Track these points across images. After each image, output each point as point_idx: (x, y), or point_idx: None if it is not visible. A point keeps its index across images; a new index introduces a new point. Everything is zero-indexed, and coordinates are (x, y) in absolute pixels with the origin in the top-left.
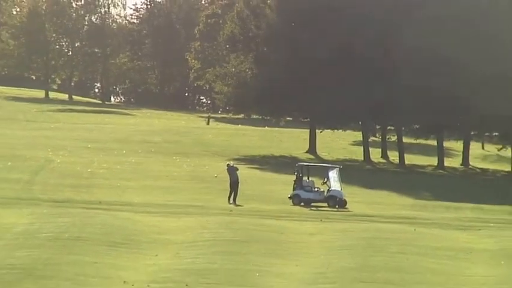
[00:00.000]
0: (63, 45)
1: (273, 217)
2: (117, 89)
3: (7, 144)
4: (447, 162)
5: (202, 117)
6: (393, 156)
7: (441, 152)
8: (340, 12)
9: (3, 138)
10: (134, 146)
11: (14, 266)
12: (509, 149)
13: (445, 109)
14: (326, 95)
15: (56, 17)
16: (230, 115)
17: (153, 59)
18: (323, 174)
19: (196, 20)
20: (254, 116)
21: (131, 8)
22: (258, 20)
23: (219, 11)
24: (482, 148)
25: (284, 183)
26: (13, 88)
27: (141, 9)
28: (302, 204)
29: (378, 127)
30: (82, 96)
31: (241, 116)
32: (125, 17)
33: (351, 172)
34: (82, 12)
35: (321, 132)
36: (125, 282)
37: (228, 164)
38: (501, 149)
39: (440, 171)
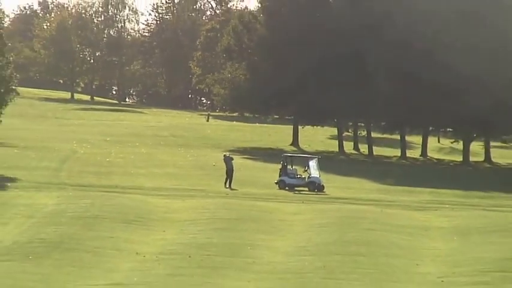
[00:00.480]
0: (86, 54)
1: (262, 199)
2: (131, 91)
3: (39, 138)
4: (408, 154)
5: (202, 115)
6: (363, 148)
7: (403, 145)
8: (319, 27)
9: (35, 132)
10: (145, 139)
11: (44, 240)
12: (461, 142)
13: (407, 109)
14: (307, 96)
15: (80, 30)
16: (226, 113)
17: (161, 66)
18: (304, 163)
19: (198, 34)
20: (246, 114)
21: (143, 24)
22: (250, 34)
23: (217, 26)
24: (438, 142)
25: (272, 170)
26: (43, 90)
27: (152, 25)
28: (287, 188)
29: (350, 124)
30: (102, 97)
31: (235, 114)
32: (138, 31)
33: (328, 162)
34: (102, 26)
35: (302, 128)
36: (137, 253)
37: (225, 155)
38: (453, 142)
39: (403, 161)
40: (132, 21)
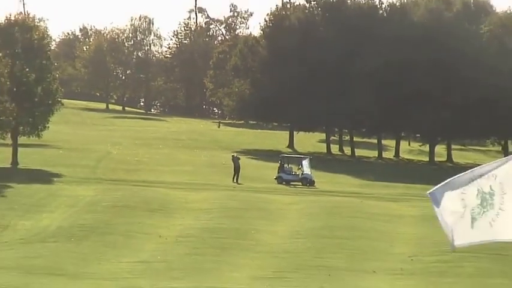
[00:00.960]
0: (118, 72)
1: (263, 192)
2: (156, 102)
3: (79, 141)
4: (384, 155)
5: (214, 122)
6: (347, 150)
7: (380, 147)
8: (310, 51)
9: (77, 136)
10: (167, 142)
11: (84, 225)
12: (427, 145)
13: (383, 118)
14: (300, 108)
15: (113, 52)
16: (234, 121)
17: (180, 82)
18: (298, 162)
19: (210, 55)
20: (251, 122)
21: (166, 47)
22: (253, 55)
23: (227, 49)
24: (409, 145)
25: (271, 168)
26: (83, 101)
27: (173, 48)
28: (284, 183)
29: (336, 130)
30: (131, 108)
31: (241, 121)
32: (161, 53)
33: (318, 161)
34: (131, 49)
35: (297, 133)
36: (160, 236)
37: (233, 155)
38: (421, 145)
39: (380, 160)
40: (156, 44)
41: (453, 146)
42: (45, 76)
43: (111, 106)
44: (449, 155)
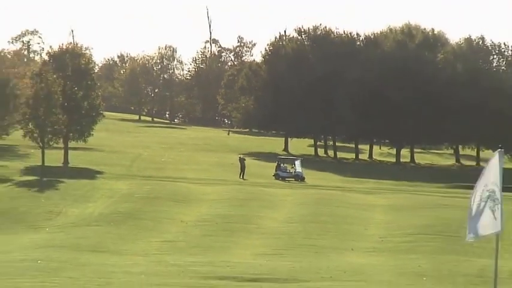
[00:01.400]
0: (148, 90)
1: (264, 186)
2: (179, 114)
3: (117, 145)
4: (360, 157)
5: (225, 130)
6: (330, 153)
7: (357, 151)
8: (302, 74)
9: (115, 141)
10: (187, 146)
11: (121, 212)
12: (394, 149)
13: (360, 128)
14: (293, 119)
15: (144, 74)
16: (241, 129)
17: (198, 98)
18: (292, 162)
19: (222, 77)
20: (254, 130)
21: (186, 70)
22: (256, 78)
23: (235, 72)
24: (380, 148)
25: (270, 167)
26: (120, 113)
27: (192, 71)
28: (280, 179)
29: (322, 136)
30: (159, 118)
31: (247, 130)
32: (183, 75)
33: (307, 162)
34: (159, 72)
35: (291, 139)
36: (181, 221)
37: (239, 157)
38: (389, 149)
39: (356, 161)
40: (178, 68)
41: (415, 150)
42: (90, 93)
43: (142, 117)
44: (412, 157)
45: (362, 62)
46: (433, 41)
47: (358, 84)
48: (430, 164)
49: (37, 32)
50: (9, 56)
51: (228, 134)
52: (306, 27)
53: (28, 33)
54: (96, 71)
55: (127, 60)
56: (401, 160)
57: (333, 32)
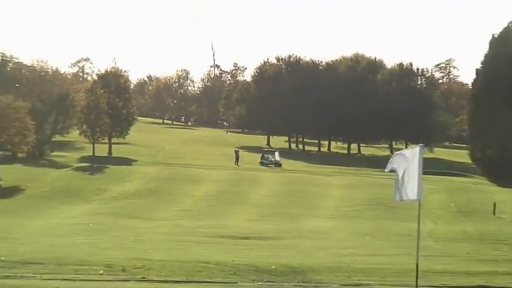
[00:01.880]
0: (169, 102)
1: (253, 170)
2: (191, 119)
3: (146, 141)
4: (322, 149)
5: (225, 130)
6: (301, 146)
7: (319, 145)
8: (281, 89)
9: (145, 138)
10: (197, 142)
11: (149, 189)
12: (346, 144)
13: (321, 127)
14: (274, 123)
15: (166, 90)
16: (236, 130)
17: (205, 107)
18: (272, 153)
19: (222, 91)
20: (246, 130)
21: (197, 87)
22: (247, 93)
23: (232, 88)
24: (336, 143)
25: (257, 157)
26: (149, 118)
27: (201, 88)
28: (264, 165)
29: (294, 134)
30: (177, 121)
31: (240, 130)
32: (194, 90)
33: (284, 153)
34: (177, 88)
35: (272, 137)
36: (193, 196)
37: (235, 149)
38: (343, 144)
39: (319, 152)
40: (191, 85)
41: (361, 144)
42: (127, 104)
43: (165, 121)
44: (359, 149)
45: (323, 82)
46: (374, 66)
47: (319, 98)
48: (372, 154)
49: (89, 59)
50: (69, 77)
51: (227, 133)
52: (282, 56)
53: (83, 60)
54: (131, 87)
55: (153, 80)
56: (351, 152)
57: (301, 59)
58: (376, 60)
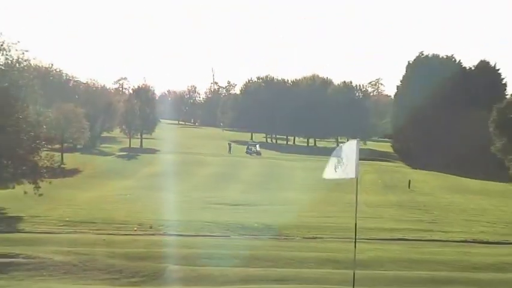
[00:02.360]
0: (182, 108)
1: (241, 157)
2: (198, 120)
3: (167, 136)
4: (289, 143)
5: (221, 129)
6: (274, 141)
7: (287, 140)
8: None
9: (166, 134)
10: (203, 137)
11: (172, 171)
12: (306, 139)
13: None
14: (255, 124)
15: (180, 100)
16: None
17: (208, 112)
18: (255, 145)
19: (220, 101)
20: (235, 129)
21: (202, 98)
22: (238, 103)
23: (227, 100)
24: (299, 138)
25: (244, 148)
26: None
27: (204, 99)
28: (249, 154)
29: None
30: (188, 123)
31: (233, 128)
32: (200, 99)
33: (263, 145)
34: (188, 98)
35: (254, 134)
36: (200, 175)
37: (228, 142)
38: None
39: (286, 145)
40: (198, 97)
41: (316, 139)
42: (153, 110)
43: (180, 122)
44: (314, 143)
45: (291, 96)
46: (325, 83)
47: (287, 108)
48: (324, 146)
49: (126, 78)
50: (112, 91)
51: (223, 131)
52: (262, 76)
53: (122, 78)
54: (156, 98)
55: (171, 93)
56: (309, 145)
57: (274, 78)
58: (327, 78)
